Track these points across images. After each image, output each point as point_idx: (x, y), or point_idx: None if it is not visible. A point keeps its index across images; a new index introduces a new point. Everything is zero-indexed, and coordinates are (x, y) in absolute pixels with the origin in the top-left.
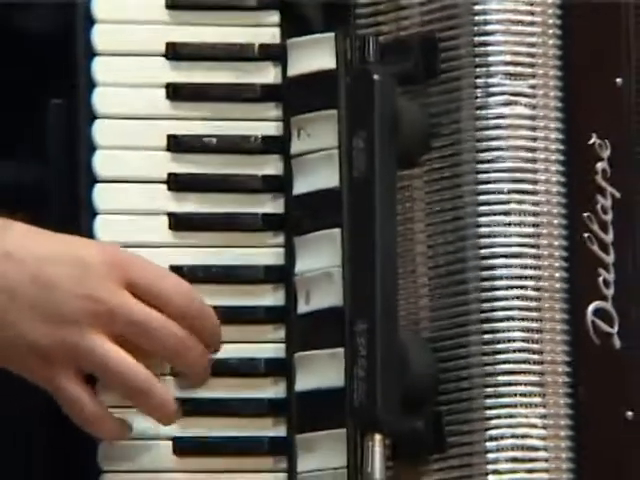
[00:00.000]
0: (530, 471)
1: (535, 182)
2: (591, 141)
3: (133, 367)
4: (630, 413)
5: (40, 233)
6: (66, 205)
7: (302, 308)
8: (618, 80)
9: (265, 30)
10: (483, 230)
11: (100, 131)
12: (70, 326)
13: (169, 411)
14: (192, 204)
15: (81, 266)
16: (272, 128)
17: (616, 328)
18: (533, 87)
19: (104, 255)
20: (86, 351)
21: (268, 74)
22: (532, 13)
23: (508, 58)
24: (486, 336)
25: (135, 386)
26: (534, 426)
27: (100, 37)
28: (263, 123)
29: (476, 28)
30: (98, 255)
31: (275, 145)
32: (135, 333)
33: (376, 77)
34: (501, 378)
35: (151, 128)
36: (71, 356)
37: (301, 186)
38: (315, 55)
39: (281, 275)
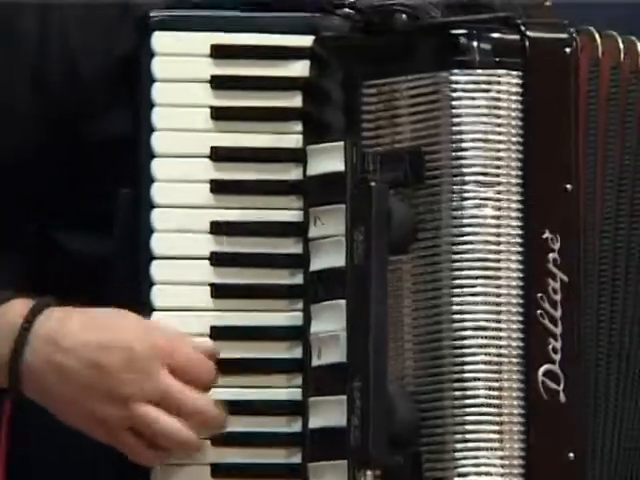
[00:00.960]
0: None
1: (498, 269)
2: (544, 235)
3: (177, 427)
4: (572, 455)
5: (94, 324)
6: (129, 276)
7: (315, 362)
8: (568, 186)
9: (290, 137)
10: (456, 307)
11: (157, 217)
12: (122, 401)
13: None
14: (230, 277)
15: (129, 352)
16: (295, 216)
17: (562, 386)
18: (498, 192)
19: (148, 341)
20: (138, 418)
21: (292, 173)
22: (499, 133)
23: (479, 169)
24: (457, 392)
25: (180, 441)
26: (493, 465)
27: (158, 142)
28: (288, 212)
29: (454, 145)
30: (143, 342)
31: (297, 230)
32: (170, 404)
33: (373, 184)
34: (468, 427)
35: (198, 216)
36: (125, 422)
37: (316, 264)
38: (328, 159)
39: (299, 334)
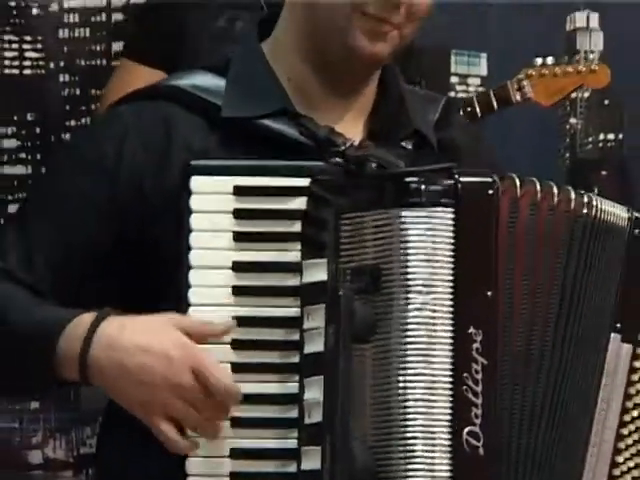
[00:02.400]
0: None
1: (434, 355)
2: (469, 331)
3: (192, 414)
4: None
5: (143, 330)
6: None
7: (307, 421)
8: (489, 293)
9: (291, 253)
10: (402, 384)
11: (192, 313)
12: (159, 391)
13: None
14: (246, 357)
15: (167, 358)
16: (294, 312)
17: (481, 443)
18: (435, 299)
19: (182, 352)
20: (167, 406)
21: (292, 280)
22: (436, 254)
23: (420, 282)
24: (401, 447)
25: (194, 424)
26: None
27: (194, 258)
28: (289, 309)
29: (402, 263)
30: (179, 352)
31: (295, 322)
32: (190, 400)
33: (341, 293)
34: (410, 472)
35: (223, 311)
36: (160, 408)
37: (308, 348)
38: (317, 271)
39: (295, 400)
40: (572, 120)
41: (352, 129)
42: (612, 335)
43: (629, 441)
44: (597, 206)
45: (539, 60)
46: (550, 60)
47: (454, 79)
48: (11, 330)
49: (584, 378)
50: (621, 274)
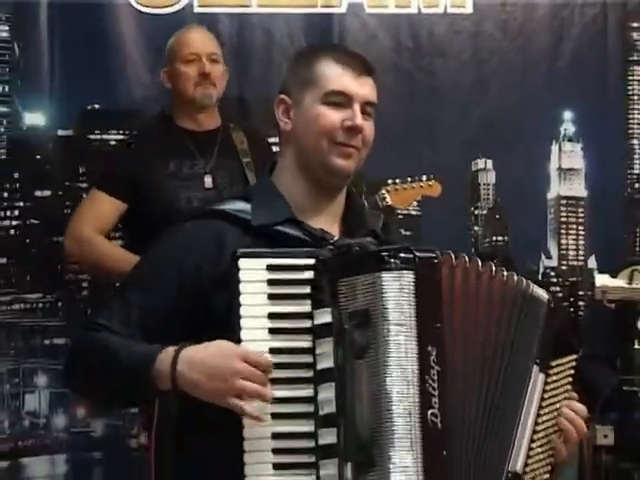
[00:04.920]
0: None
1: (407, 364)
2: (428, 348)
3: (250, 385)
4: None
5: (206, 349)
6: None
7: (321, 412)
8: (438, 325)
9: (305, 307)
10: (388, 384)
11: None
12: (225, 379)
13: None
14: (275, 373)
15: (225, 356)
16: (307, 344)
17: (439, 420)
18: (407, 329)
19: (233, 350)
20: (233, 387)
21: (307, 323)
22: (404, 299)
23: (395, 319)
24: (388, 424)
25: (253, 390)
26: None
27: (243, 309)
28: (305, 342)
29: (382, 306)
30: (231, 351)
31: (309, 350)
32: (247, 377)
33: (346, 326)
34: (396, 441)
35: (263, 344)
36: (229, 391)
37: (320, 365)
38: (322, 316)
39: (311, 400)
40: (475, 228)
41: (331, 229)
42: (534, 367)
43: (540, 435)
44: (515, 278)
45: (390, 180)
46: (398, 180)
47: None
48: (122, 363)
49: (513, 387)
50: (541, 329)
